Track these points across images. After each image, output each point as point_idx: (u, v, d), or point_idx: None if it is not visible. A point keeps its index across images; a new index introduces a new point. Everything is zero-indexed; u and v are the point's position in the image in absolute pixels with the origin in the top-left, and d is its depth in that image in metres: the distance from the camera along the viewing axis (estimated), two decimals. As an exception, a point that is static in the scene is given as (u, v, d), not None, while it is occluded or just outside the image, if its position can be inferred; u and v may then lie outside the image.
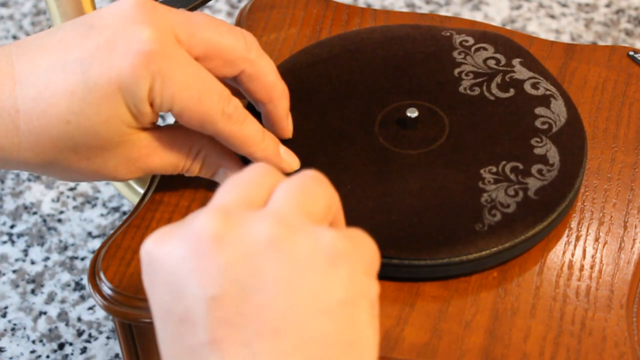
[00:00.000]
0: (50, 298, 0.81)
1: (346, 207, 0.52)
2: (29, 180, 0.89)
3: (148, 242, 0.47)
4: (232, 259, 0.45)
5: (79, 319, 0.80)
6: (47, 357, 0.78)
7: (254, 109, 0.62)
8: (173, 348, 0.46)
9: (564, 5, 1.01)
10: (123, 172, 0.58)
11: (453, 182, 0.60)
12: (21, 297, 0.81)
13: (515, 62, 0.66)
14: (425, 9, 1.01)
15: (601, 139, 0.64)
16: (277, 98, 0.60)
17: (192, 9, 0.68)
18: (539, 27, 0.99)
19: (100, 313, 0.80)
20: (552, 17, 1.00)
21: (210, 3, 0.98)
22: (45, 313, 0.80)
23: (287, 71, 0.66)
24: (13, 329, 0.80)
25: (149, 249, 0.47)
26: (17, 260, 0.84)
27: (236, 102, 0.57)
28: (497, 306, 0.57)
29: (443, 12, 1.00)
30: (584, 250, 0.59)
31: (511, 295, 0.57)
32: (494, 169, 0.60)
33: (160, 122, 0.59)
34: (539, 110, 0.63)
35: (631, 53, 0.69)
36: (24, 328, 0.80)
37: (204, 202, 0.61)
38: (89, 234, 0.85)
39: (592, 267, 0.58)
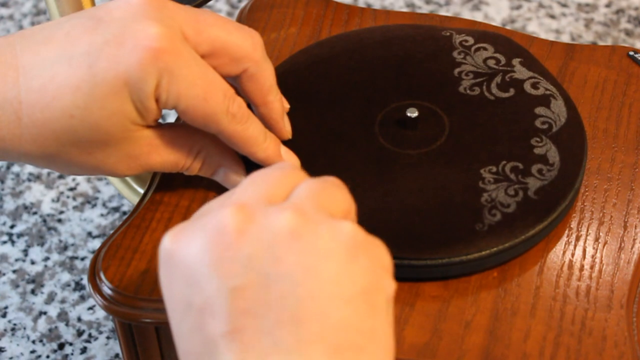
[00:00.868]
0: (50, 298, 0.81)
1: (346, 207, 0.52)
2: (29, 180, 0.89)
3: (165, 240, 0.47)
4: (254, 250, 0.45)
5: (79, 319, 0.80)
6: (47, 357, 0.78)
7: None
8: (191, 341, 0.46)
9: (564, 5, 1.01)
10: (123, 168, 0.58)
11: (453, 182, 0.60)
12: (21, 297, 0.81)
13: (515, 62, 0.66)
14: (425, 9, 1.01)
15: (601, 138, 0.64)
16: (271, 102, 0.60)
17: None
18: (539, 27, 0.99)
19: (100, 313, 0.80)
20: (552, 17, 1.00)
21: (210, 3, 0.98)
22: (45, 313, 0.80)
23: (287, 71, 0.66)
24: (13, 329, 0.79)
25: (167, 246, 0.47)
26: (17, 260, 0.84)
27: (240, 102, 0.57)
28: (497, 306, 0.57)
29: (443, 12, 1.00)
30: (584, 250, 0.59)
31: (511, 295, 0.57)
32: (494, 169, 0.60)
33: (160, 121, 0.59)
34: (539, 110, 0.63)
35: (631, 53, 0.69)
36: (24, 328, 0.80)
37: (204, 202, 0.61)
38: (89, 234, 0.85)
39: (592, 267, 0.58)
